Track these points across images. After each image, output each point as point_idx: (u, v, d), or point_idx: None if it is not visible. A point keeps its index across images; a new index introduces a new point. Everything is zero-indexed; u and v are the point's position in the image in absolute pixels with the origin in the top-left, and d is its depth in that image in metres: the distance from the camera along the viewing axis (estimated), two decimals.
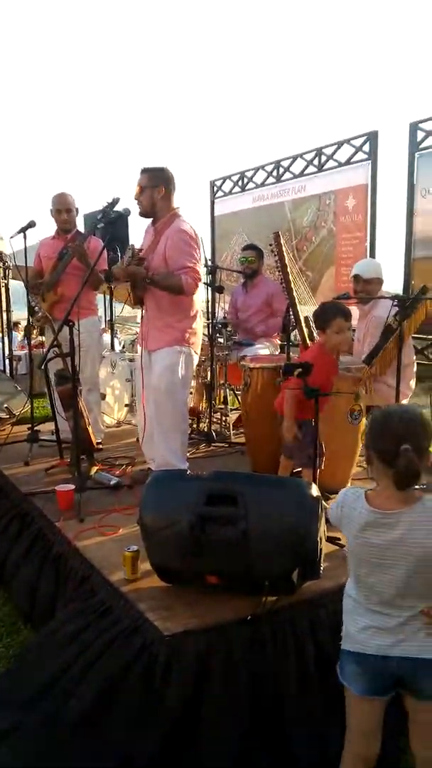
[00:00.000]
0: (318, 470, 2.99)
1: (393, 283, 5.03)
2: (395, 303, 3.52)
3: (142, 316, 3.73)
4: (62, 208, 4.38)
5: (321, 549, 2.27)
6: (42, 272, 4.45)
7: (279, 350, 5.01)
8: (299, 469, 3.50)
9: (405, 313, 3.42)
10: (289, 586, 2.26)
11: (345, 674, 1.78)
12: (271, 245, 4.90)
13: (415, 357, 4.22)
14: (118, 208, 3.83)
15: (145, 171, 3.47)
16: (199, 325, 3.65)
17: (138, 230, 4.56)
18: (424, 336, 4.62)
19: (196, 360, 3.69)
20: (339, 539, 2.80)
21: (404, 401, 4.04)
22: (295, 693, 2.14)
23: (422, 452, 1.61)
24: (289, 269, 4.51)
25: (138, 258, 3.37)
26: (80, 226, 4.42)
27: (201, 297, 3.78)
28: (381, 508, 1.67)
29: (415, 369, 4.15)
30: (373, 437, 1.70)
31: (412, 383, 4.26)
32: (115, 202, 4.05)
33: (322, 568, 2.32)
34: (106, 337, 7.31)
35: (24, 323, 7.87)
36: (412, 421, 1.65)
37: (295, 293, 3.82)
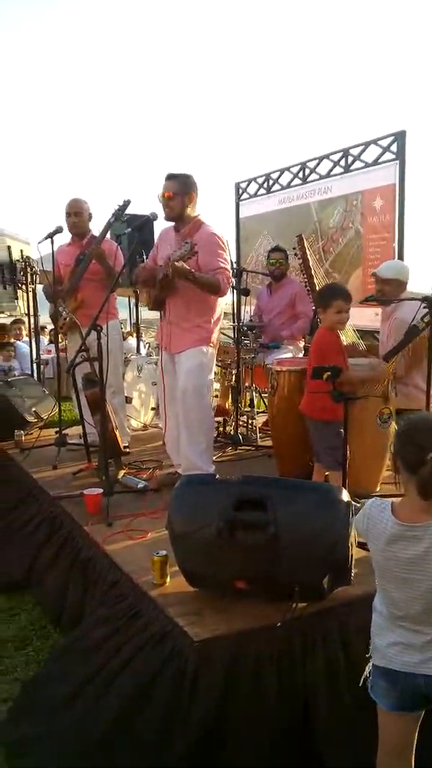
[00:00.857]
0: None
1: (425, 284, 4.95)
2: (425, 305, 3.45)
3: (161, 319, 3.73)
4: (71, 212, 4.42)
5: (352, 555, 2.24)
6: (61, 279, 4.48)
7: (303, 353, 4.98)
8: (328, 473, 3.47)
9: None
10: (320, 593, 2.23)
11: (375, 689, 1.74)
12: (294, 248, 4.89)
13: None
14: (135, 211, 3.84)
15: (173, 177, 3.49)
16: (218, 329, 3.72)
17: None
18: None
19: (215, 361, 3.75)
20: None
21: None
22: (325, 703, 2.11)
23: None
24: (314, 271, 4.49)
25: (194, 252, 3.33)
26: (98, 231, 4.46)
27: (225, 300, 3.79)
28: (407, 521, 1.62)
29: None
30: (399, 444, 1.67)
31: None
32: (126, 204, 4.08)
33: (352, 575, 2.29)
34: (132, 341, 7.35)
35: (50, 327, 7.95)
36: None
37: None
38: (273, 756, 2.00)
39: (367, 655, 1.79)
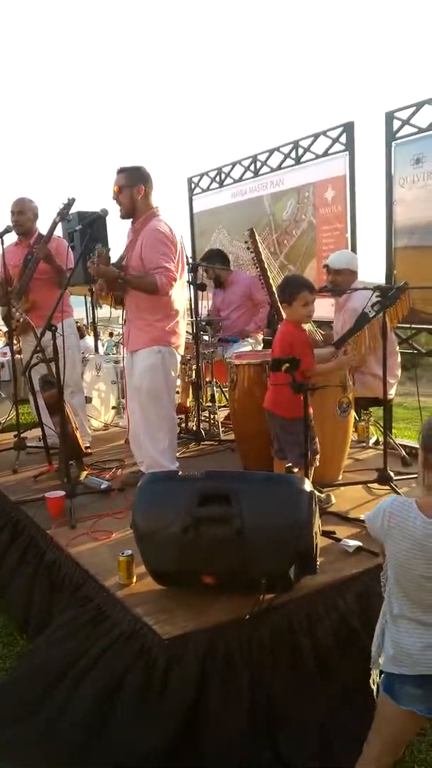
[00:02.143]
0: (312, 466, 2.99)
1: (376, 274, 5.03)
2: (377, 294, 3.50)
3: (125, 319, 3.70)
4: (14, 210, 4.33)
5: (317, 544, 2.26)
6: (11, 280, 4.39)
7: (262, 346, 5.00)
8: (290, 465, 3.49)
9: (384, 304, 3.41)
10: (287, 583, 2.24)
11: (403, 697, 1.66)
12: (246, 242, 4.89)
13: (398, 347, 4.23)
14: (86, 208, 3.79)
15: (122, 171, 3.43)
16: (182, 325, 3.61)
17: (121, 231, 4.52)
18: (408, 325, 4.62)
19: (178, 359, 3.64)
20: (334, 533, 2.80)
21: (391, 391, 4.05)
22: (292, 692, 2.13)
23: None
24: (267, 264, 4.50)
25: (105, 258, 3.32)
26: (58, 230, 4.38)
27: (184, 296, 3.74)
28: None
29: (399, 359, 4.17)
30: (425, 438, 1.62)
31: (398, 372, 4.27)
32: (71, 202, 4.03)
33: (318, 563, 2.31)
34: (90, 340, 7.26)
35: (4, 330, 7.80)
36: None
37: (275, 288, 3.80)
38: (245, 748, 2.01)
39: (372, 665, 1.75)
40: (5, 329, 6.49)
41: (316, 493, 3.20)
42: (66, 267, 4.03)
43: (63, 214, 4.05)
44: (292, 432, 3.02)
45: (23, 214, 4.34)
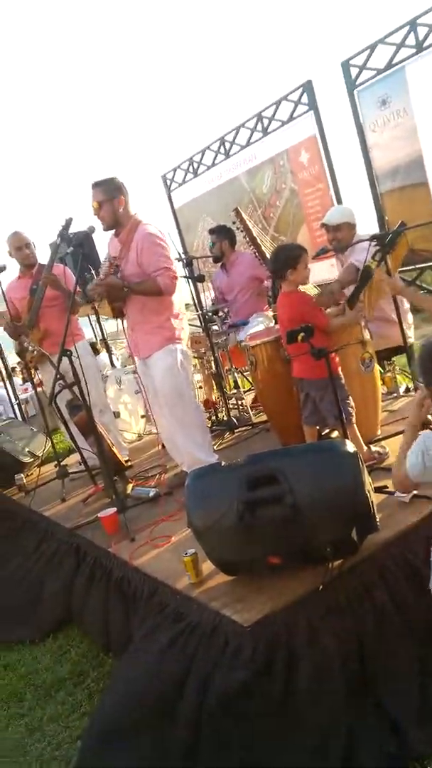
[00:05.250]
0: (352, 425, 3.00)
1: (369, 224, 4.98)
2: (375, 243, 3.47)
3: (124, 329, 3.71)
4: (21, 245, 4.37)
5: (372, 501, 2.26)
6: (18, 315, 4.44)
7: (274, 321, 4.98)
8: (328, 431, 3.49)
9: (385, 251, 3.37)
10: (352, 546, 2.26)
11: None
12: (234, 222, 4.87)
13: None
14: (75, 227, 3.80)
15: (97, 185, 3.43)
16: (185, 322, 3.67)
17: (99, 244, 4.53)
18: (412, 267, 4.57)
19: (190, 354, 3.69)
20: (386, 487, 2.80)
21: (410, 333, 4.01)
22: (384, 648, 2.14)
23: None
24: (260, 241, 4.48)
25: (115, 265, 3.35)
26: (44, 257, 4.42)
27: (183, 295, 3.75)
28: None
29: (407, 304, 4.12)
30: (425, 372, 1.64)
31: (410, 317, 4.23)
32: (69, 222, 4.03)
33: (378, 520, 2.31)
34: (104, 356, 7.32)
35: (20, 366, 7.89)
36: None
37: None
38: (352, 707, 2.03)
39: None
40: (21, 365, 6.58)
41: (374, 448, 3.22)
42: (72, 289, 4.07)
43: (64, 236, 4.05)
44: (328, 390, 3.03)
45: (30, 246, 4.40)
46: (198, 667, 2.14)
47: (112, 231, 3.55)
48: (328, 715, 2.00)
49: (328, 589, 2.18)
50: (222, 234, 5.10)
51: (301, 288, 3.26)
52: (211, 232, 5.21)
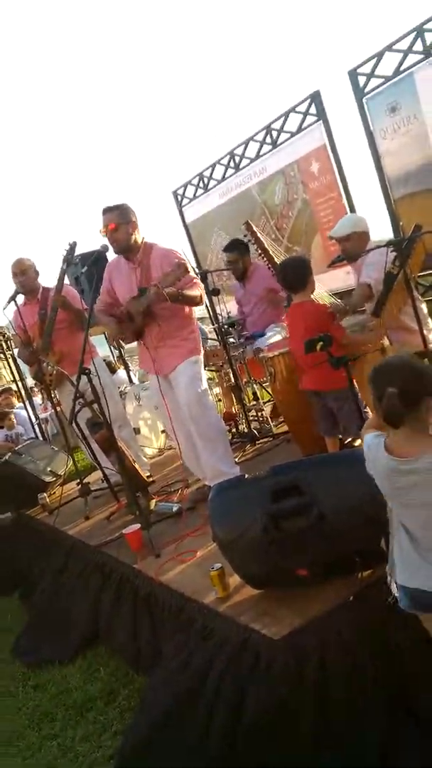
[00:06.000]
0: None
1: (384, 231, 4.96)
2: (392, 249, 3.44)
3: (140, 346, 3.70)
4: (16, 271, 4.43)
5: None
6: (29, 341, 4.47)
7: None
8: (350, 439, 3.46)
9: (404, 254, 3.35)
10: (380, 555, 2.21)
11: None
12: (245, 235, 4.87)
13: (421, 297, 4.16)
14: (81, 249, 3.83)
15: (111, 209, 3.46)
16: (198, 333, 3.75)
17: None
18: (431, 272, 4.55)
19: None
20: None
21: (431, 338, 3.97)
22: (420, 657, 2.09)
23: (409, 396, 1.66)
24: (272, 253, 4.46)
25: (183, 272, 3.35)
26: (48, 281, 4.50)
27: (197, 309, 3.78)
28: (397, 455, 1.72)
29: (425, 308, 4.07)
30: (371, 382, 1.77)
31: (430, 322, 4.19)
32: (73, 246, 4.08)
33: None
34: (122, 373, 7.35)
35: (38, 388, 7.96)
36: (401, 367, 1.72)
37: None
38: (384, 715, 1.99)
39: None
40: (39, 386, 6.63)
41: None
42: (80, 308, 4.11)
43: (68, 260, 4.11)
44: (348, 400, 3.01)
45: (25, 274, 4.44)
46: (228, 683, 2.12)
47: (115, 257, 3.64)
48: (363, 726, 1.97)
49: (358, 600, 2.15)
50: (241, 250, 5.08)
51: (315, 295, 3.27)
52: (227, 250, 5.16)
